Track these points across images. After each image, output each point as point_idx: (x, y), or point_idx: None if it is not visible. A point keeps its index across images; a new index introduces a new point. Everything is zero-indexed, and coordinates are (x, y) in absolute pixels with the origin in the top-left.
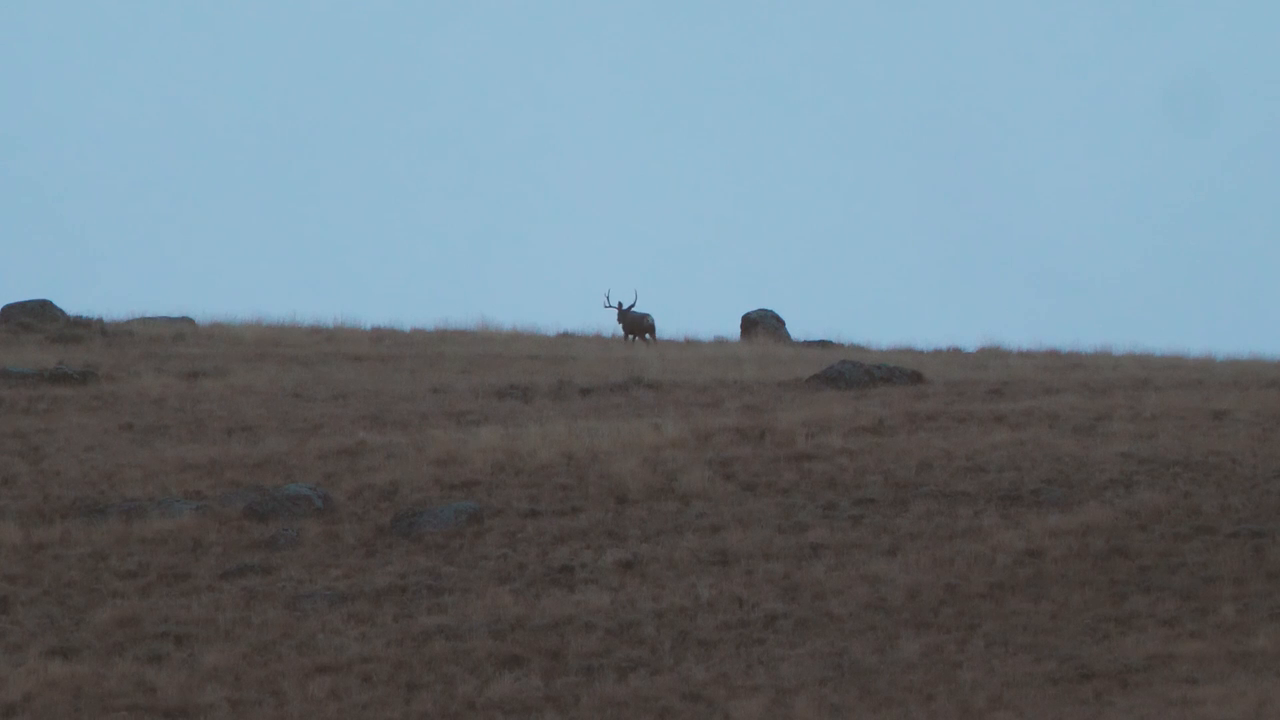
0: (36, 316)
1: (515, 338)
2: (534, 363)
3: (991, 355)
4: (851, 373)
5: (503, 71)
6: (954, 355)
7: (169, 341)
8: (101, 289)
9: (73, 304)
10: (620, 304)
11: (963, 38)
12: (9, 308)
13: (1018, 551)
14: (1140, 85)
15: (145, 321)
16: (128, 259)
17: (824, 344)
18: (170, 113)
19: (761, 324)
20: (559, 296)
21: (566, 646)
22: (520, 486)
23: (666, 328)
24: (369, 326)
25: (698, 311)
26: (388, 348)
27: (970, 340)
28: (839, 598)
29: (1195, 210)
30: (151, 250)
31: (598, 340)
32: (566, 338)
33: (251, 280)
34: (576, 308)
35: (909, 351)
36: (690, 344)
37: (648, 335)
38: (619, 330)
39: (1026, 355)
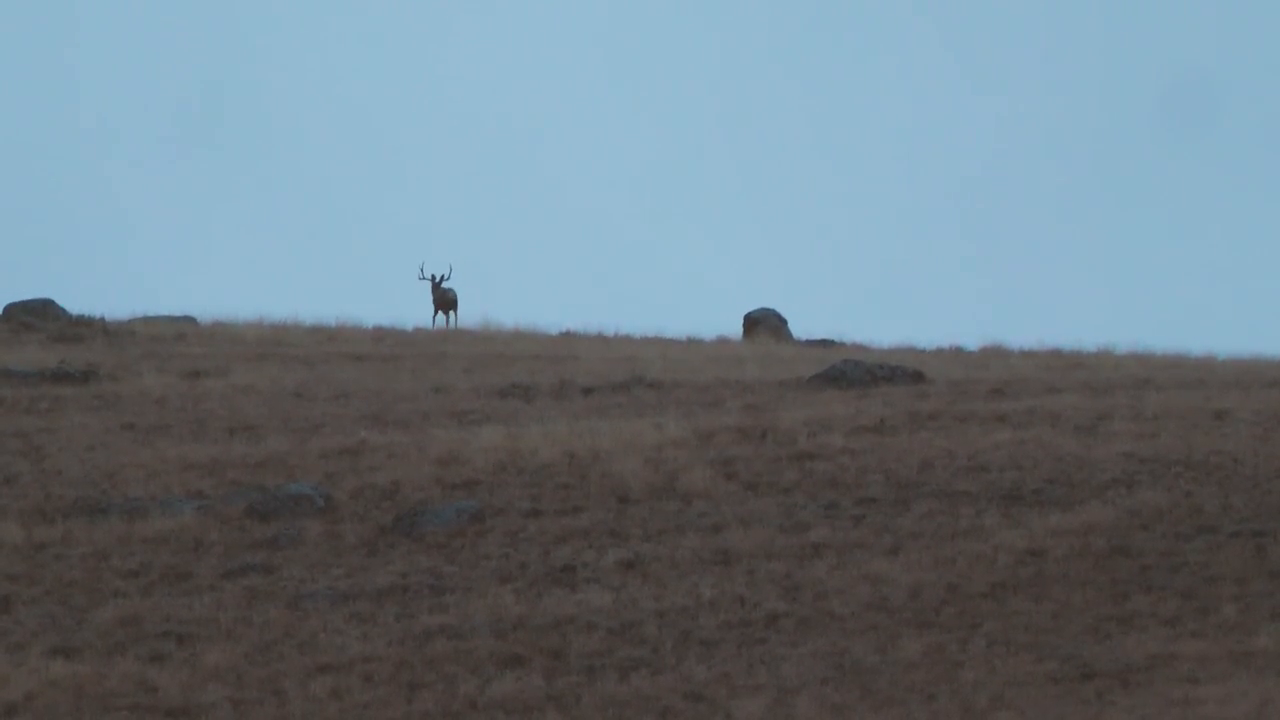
0: (38, 315)
1: (517, 337)
2: (536, 362)
3: (993, 355)
4: (853, 372)
5: (503, 70)
6: (956, 354)
7: (171, 341)
8: (103, 288)
9: (74, 303)
10: (434, 276)
11: (953, 36)
12: (11, 307)
13: (1019, 551)
14: (1139, 84)
15: (147, 321)
16: (130, 258)
17: (826, 343)
18: (171, 112)
19: (764, 323)
20: (561, 296)
21: (568, 646)
22: (522, 486)
23: (668, 327)
24: (370, 326)
25: (700, 311)
26: (389, 347)
27: (972, 339)
28: (840, 597)
29: (1195, 210)
30: (153, 249)
31: (600, 340)
32: (568, 337)
33: (253, 280)
34: (578, 307)
35: (911, 351)
36: (692, 343)
37: (451, 312)
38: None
39: (1028, 355)
